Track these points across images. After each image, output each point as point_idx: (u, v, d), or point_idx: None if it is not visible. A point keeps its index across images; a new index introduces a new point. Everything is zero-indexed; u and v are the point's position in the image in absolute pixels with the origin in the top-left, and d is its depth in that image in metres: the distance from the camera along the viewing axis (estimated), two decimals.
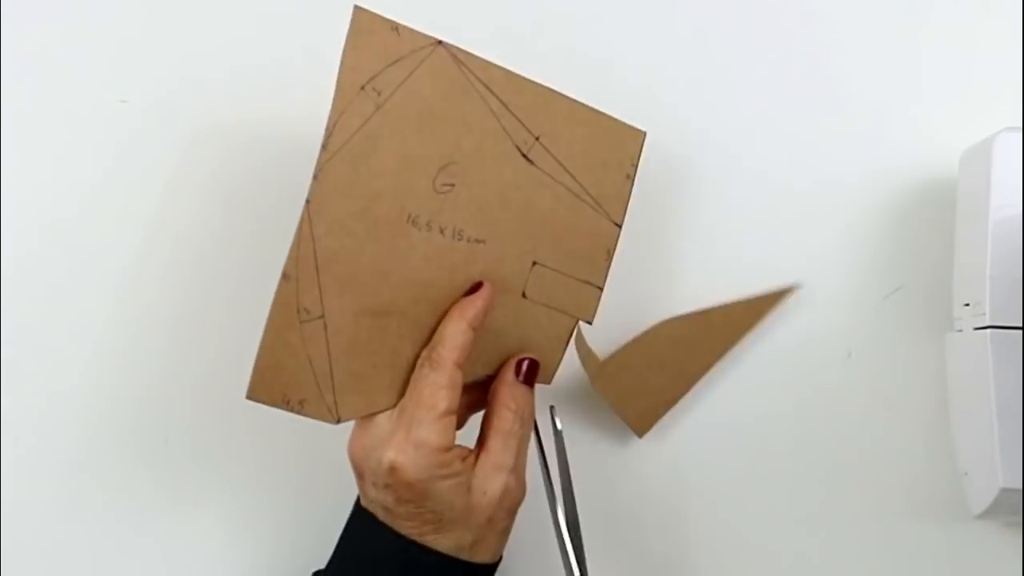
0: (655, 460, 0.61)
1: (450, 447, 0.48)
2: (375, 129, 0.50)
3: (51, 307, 0.61)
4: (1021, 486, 0.55)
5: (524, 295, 0.54)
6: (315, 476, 0.60)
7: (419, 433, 0.48)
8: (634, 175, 0.55)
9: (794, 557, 0.61)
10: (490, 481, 0.48)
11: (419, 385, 0.49)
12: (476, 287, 0.51)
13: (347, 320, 0.50)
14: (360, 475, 0.50)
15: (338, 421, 0.50)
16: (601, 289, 0.55)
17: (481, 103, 0.52)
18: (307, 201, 0.49)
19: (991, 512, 0.57)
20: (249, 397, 0.49)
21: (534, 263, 0.53)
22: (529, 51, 0.55)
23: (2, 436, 0.60)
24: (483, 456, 0.49)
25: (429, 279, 0.51)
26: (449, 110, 0.51)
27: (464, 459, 0.49)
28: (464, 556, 0.48)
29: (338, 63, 0.49)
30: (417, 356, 0.51)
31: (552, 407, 0.55)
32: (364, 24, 0.50)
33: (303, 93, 0.62)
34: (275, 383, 0.49)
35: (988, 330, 0.56)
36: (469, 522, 0.48)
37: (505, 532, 0.50)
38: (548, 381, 0.55)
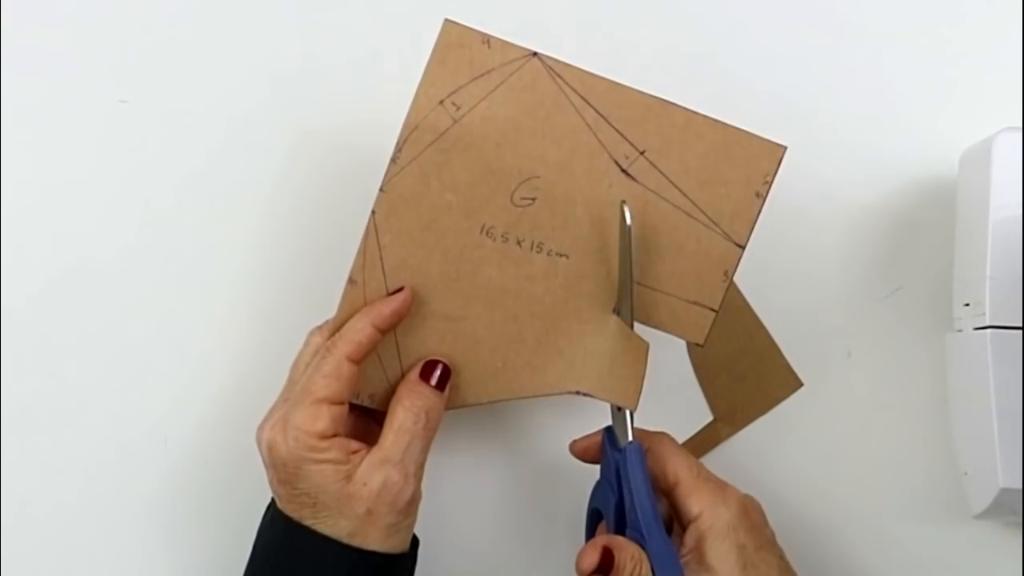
0: None
1: (326, 434, 0.48)
2: (450, 143, 0.50)
3: (50, 306, 0.61)
4: (1021, 486, 0.55)
5: (616, 311, 0.52)
6: None
7: (295, 416, 0.49)
8: (766, 193, 0.52)
9: (793, 557, 0.60)
10: (372, 473, 0.49)
11: (308, 372, 0.50)
12: (397, 290, 0.51)
13: (416, 322, 0.51)
14: (262, 459, 0.51)
15: None
16: (716, 311, 0.53)
17: (575, 116, 0.51)
18: (372, 212, 0.50)
19: (991, 512, 0.57)
20: None
21: (636, 282, 0.52)
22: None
23: (2, 436, 0.60)
24: (373, 449, 0.50)
25: (504, 288, 0.51)
26: (535, 124, 0.50)
27: (353, 451, 0.49)
28: (347, 542, 0.49)
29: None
30: (491, 360, 0.52)
31: (623, 201, 0.51)
32: (454, 37, 0.49)
33: (303, 93, 0.62)
34: None
35: (988, 330, 0.56)
36: (345, 510, 0.48)
37: (392, 528, 0.49)
38: (633, 406, 0.52)
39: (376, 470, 0.49)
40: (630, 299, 0.51)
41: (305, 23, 0.63)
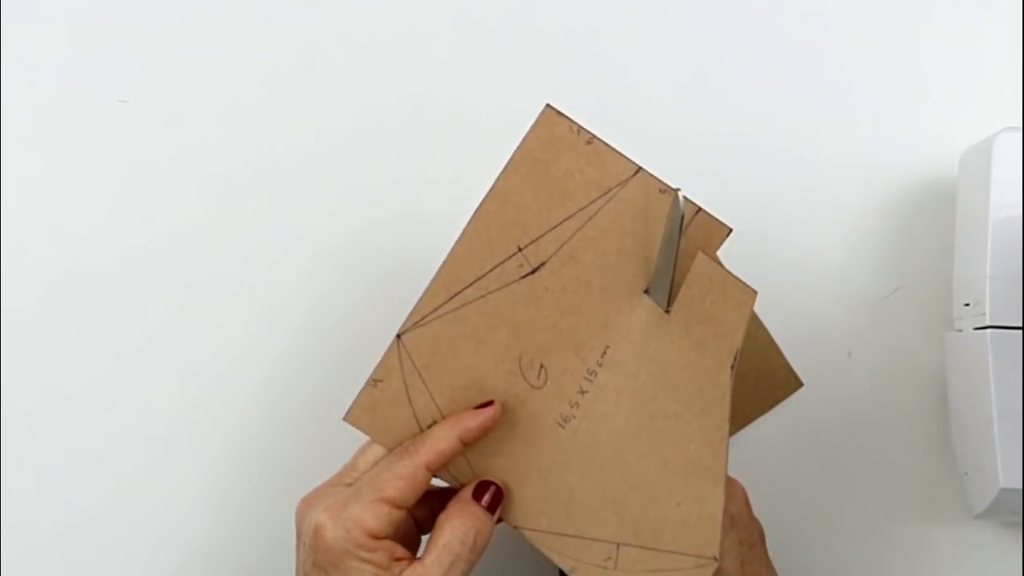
0: None
1: (380, 534, 0.47)
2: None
3: (50, 306, 0.61)
4: (1021, 486, 0.55)
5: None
6: (315, 477, 0.60)
7: (354, 508, 0.47)
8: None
9: (793, 557, 0.61)
10: None
11: (380, 467, 0.49)
12: (486, 404, 0.50)
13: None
14: (297, 532, 0.49)
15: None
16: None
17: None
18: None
19: (991, 512, 0.57)
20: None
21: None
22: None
23: (2, 436, 0.60)
24: (415, 564, 0.48)
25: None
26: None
27: (397, 559, 0.47)
28: None
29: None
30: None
31: (678, 189, 0.50)
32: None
33: (304, 93, 0.62)
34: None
35: (988, 330, 0.56)
36: None
37: None
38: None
39: None
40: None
41: (306, 22, 0.63)
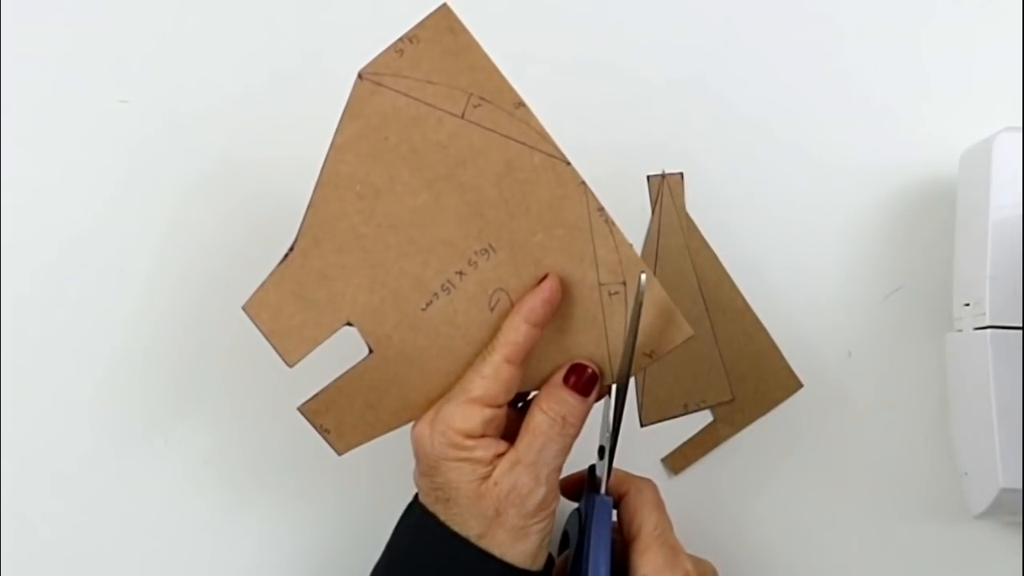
0: (654, 460, 0.61)
1: (473, 434, 0.48)
2: None
3: (50, 307, 0.61)
4: (1021, 486, 0.55)
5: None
6: (315, 477, 0.60)
7: (445, 411, 0.49)
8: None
9: (793, 557, 0.61)
10: (505, 474, 0.48)
11: (468, 372, 0.50)
12: (542, 279, 0.50)
13: None
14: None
15: None
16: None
17: None
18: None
19: (991, 512, 0.57)
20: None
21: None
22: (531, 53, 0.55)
23: (2, 437, 0.60)
24: (509, 451, 0.49)
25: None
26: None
27: (500, 454, 0.49)
28: (475, 543, 0.48)
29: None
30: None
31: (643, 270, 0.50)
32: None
33: (304, 92, 0.62)
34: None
35: (988, 330, 0.56)
36: (475, 510, 0.48)
37: (520, 531, 0.48)
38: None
39: (507, 472, 0.48)
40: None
41: (306, 22, 0.63)
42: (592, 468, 0.53)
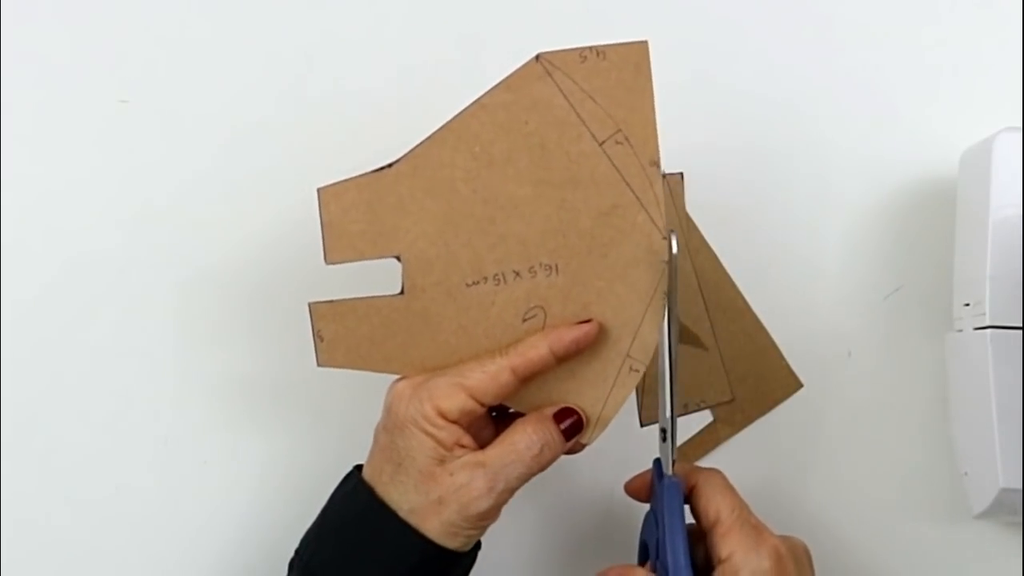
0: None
1: (448, 415, 0.48)
2: None
3: (50, 306, 0.61)
4: (1021, 486, 0.55)
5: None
6: (314, 477, 0.60)
7: (433, 383, 0.49)
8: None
9: None
10: (464, 469, 0.48)
11: (471, 362, 0.50)
12: (583, 321, 0.51)
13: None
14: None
15: None
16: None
17: None
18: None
19: (991, 512, 0.57)
20: None
21: None
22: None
23: (2, 437, 0.60)
24: (478, 452, 0.49)
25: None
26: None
27: (461, 445, 0.49)
28: (404, 517, 0.48)
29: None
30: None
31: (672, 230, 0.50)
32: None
33: (304, 92, 0.62)
34: None
35: (988, 330, 0.56)
36: (421, 486, 0.48)
37: (452, 528, 0.48)
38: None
39: (467, 468, 0.48)
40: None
41: (306, 22, 0.63)
42: (657, 460, 0.52)
